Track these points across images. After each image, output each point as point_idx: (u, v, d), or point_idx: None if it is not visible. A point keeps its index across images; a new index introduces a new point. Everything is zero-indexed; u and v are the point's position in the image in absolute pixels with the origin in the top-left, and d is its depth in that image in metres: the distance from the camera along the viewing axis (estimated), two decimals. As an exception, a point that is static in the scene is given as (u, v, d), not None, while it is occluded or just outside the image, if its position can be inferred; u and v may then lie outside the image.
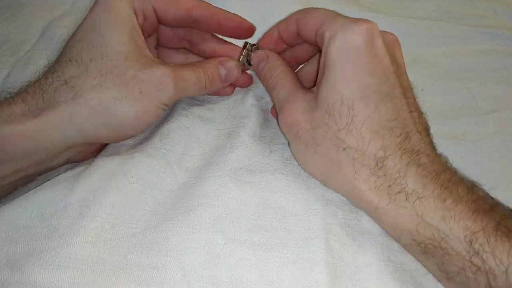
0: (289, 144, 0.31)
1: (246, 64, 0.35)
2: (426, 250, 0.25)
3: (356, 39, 0.26)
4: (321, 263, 0.26)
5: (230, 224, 0.27)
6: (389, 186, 0.26)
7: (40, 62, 0.43)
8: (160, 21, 0.32)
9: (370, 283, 0.26)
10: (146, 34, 0.32)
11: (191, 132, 0.33)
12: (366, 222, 0.29)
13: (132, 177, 0.29)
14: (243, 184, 0.30)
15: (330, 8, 0.48)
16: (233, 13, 0.33)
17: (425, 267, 0.26)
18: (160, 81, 0.29)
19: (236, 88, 0.39)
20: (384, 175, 0.26)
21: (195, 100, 0.37)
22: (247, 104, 0.36)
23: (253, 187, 0.30)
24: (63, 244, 0.25)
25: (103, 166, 0.30)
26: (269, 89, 0.32)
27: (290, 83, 0.31)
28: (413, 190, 0.25)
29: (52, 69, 0.29)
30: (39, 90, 0.28)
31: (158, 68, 0.29)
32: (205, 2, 0.32)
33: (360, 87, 0.26)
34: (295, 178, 0.31)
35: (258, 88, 0.38)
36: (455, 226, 0.24)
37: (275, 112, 0.35)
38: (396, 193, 0.25)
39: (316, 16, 0.30)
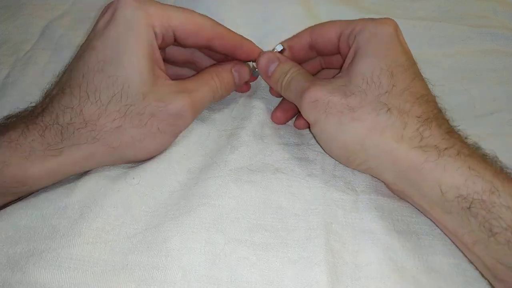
0: (311, 127, 0.30)
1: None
2: (472, 206, 0.24)
3: (387, 28, 0.30)
4: (321, 262, 0.26)
5: (231, 224, 0.28)
6: (436, 145, 0.26)
7: (40, 62, 0.43)
8: (177, 41, 0.31)
9: (371, 282, 0.26)
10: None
11: (192, 134, 0.33)
12: (367, 221, 0.29)
13: (133, 178, 0.29)
14: (244, 184, 0.30)
15: (331, 9, 0.48)
16: (248, 40, 0.33)
17: (456, 231, 0.26)
18: (177, 116, 0.29)
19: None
20: (430, 135, 0.26)
21: None
22: (248, 106, 0.36)
23: (253, 186, 0.30)
24: (64, 245, 0.25)
25: (104, 168, 0.30)
26: (283, 88, 0.32)
27: (308, 76, 0.31)
28: (462, 148, 0.26)
29: (67, 100, 0.27)
30: (57, 126, 0.27)
31: (175, 103, 0.29)
32: (223, 29, 0.31)
33: (396, 62, 0.29)
34: (296, 177, 0.31)
35: (259, 90, 0.38)
36: (506, 183, 0.24)
37: (278, 115, 0.35)
38: (445, 149, 0.26)
39: (337, 24, 0.32)
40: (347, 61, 0.31)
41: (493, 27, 0.46)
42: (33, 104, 0.29)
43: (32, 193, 0.29)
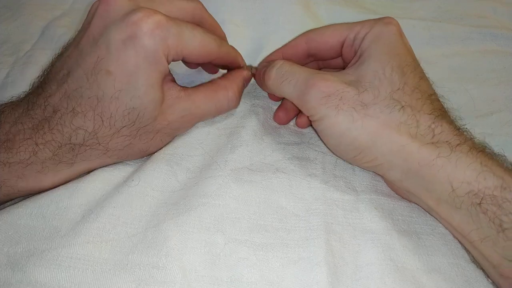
0: (316, 122, 0.29)
1: None
2: (482, 201, 0.25)
3: (392, 28, 0.30)
4: (321, 263, 0.26)
5: (231, 224, 0.28)
6: (447, 141, 0.26)
7: (40, 62, 0.43)
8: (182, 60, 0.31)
9: (371, 282, 0.26)
10: None
11: (191, 133, 0.33)
12: (368, 221, 0.29)
13: (133, 180, 0.29)
14: (244, 184, 0.30)
15: (330, 9, 0.48)
16: (240, 55, 0.34)
17: (463, 228, 0.26)
18: (177, 131, 0.31)
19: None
20: (442, 131, 0.27)
21: None
22: (248, 104, 0.36)
23: (254, 186, 0.30)
24: (65, 244, 0.25)
25: (105, 173, 0.30)
26: (278, 85, 0.31)
27: (305, 69, 0.31)
28: (473, 145, 0.26)
29: (80, 121, 0.27)
30: (70, 145, 0.27)
31: (176, 122, 0.30)
32: (225, 50, 0.31)
33: (406, 61, 0.29)
34: (297, 177, 0.31)
35: (259, 89, 0.38)
36: None
37: (281, 115, 0.35)
38: (457, 145, 0.26)
39: (337, 29, 0.32)
40: (355, 59, 0.31)
41: (493, 27, 0.46)
42: (21, 97, 0.29)
43: None
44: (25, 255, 0.25)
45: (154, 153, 0.32)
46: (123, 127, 0.28)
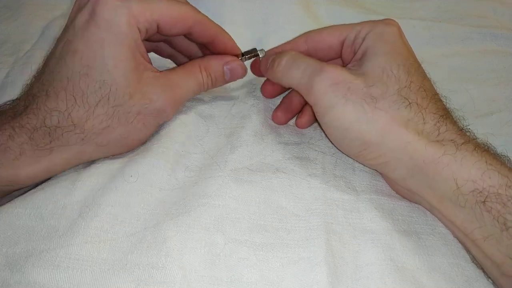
0: (323, 113, 0.29)
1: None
2: (487, 199, 0.25)
3: (393, 29, 0.30)
4: (321, 263, 0.26)
5: (231, 224, 0.27)
6: (453, 140, 0.27)
7: (40, 61, 0.43)
8: (159, 32, 0.31)
9: (371, 282, 0.26)
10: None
11: (190, 130, 0.33)
12: (368, 221, 0.28)
13: (131, 176, 0.29)
14: (244, 184, 0.30)
15: (330, 9, 0.48)
16: (228, 36, 0.33)
17: (466, 226, 0.26)
18: (160, 112, 0.30)
19: (236, 88, 0.39)
20: (447, 130, 0.27)
21: (195, 96, 0.37)
22: (248, 104, 0.36)
23: (254, 186, 0.30)
24: (63, 244, 0.25)
25: (103, 167, 0.30)
26: (287, 71, 0.31)
27: (316, 59, 0.31)
28: (478, 144, 0.27)
29: (53, 103, 0.27)
30: (45, 128, 0.27)
31: (159, 100, 0.29)
32: (203, 17, 0.31)
33: (409, 61, 0.29)
34: (297, 177, 0.31)
35: (259, 88, 0.38)
36: None
37: (279, 115, 0.35)
38: (462, 144, 0.26)
39: (337, 30, 0.32)
40: (354, 61, 0.31)
41: (493, 27, 0.46)
42: (10, 101, 0.30)
43: (26, 187, 0.30)
44: (23, 255, 0.25)
45: (137, 144, 0.31)
46: (97, 104, 0.27)
